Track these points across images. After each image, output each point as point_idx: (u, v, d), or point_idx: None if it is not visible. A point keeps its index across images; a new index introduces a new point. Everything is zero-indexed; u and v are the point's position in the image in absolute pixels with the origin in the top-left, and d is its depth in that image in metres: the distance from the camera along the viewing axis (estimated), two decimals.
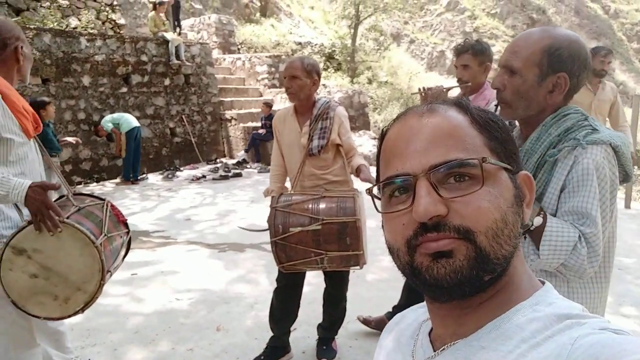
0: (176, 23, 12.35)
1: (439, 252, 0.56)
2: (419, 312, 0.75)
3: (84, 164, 8.94)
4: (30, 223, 1.84)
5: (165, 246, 5.23)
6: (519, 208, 0.61)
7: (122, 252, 2.24)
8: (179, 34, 11.85)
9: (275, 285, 2.84)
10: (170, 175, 9.41)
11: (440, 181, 0.58)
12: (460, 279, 0.56)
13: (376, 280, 3.99)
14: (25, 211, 1.94)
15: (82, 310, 1.92)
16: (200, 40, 13.03)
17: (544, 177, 1.33)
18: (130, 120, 8.67)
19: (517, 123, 1.52)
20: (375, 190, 0.65)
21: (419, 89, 2.76)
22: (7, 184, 1.79)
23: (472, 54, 2.69)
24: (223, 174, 9.29)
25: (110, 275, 2.04)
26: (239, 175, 9.31)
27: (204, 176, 9.22)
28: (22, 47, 2.00)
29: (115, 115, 8.77)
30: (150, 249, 5.14)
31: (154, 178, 9.44)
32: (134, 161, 8.90)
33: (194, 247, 5.18)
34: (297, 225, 2.36)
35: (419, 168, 0.59)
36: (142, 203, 7.35)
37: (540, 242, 1.26)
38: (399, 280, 3.81)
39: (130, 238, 2.30)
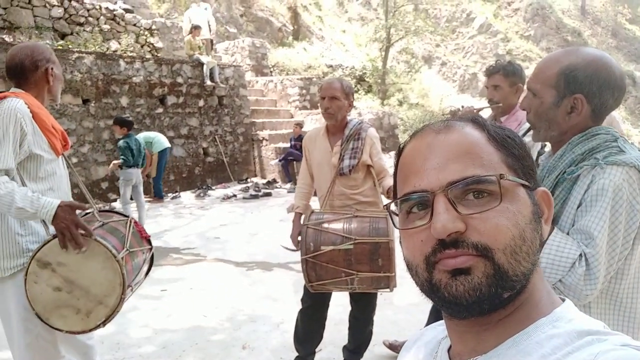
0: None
1: (458, 269, 0.57)
2: (438, 329, 0.75)
3: (120, 182, 9.19)
4: (55, 237, 1.87)
5: (195, 263, 5.31)
6: (537, 224, 0.61)
7: (145, 268, 2.26)
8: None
9: (300, 305, 2.84)
10: (202, 194, 9.59)
11: (458, 197, 0.58)
12: (479, 297, 0.56)
13: (404, 303, 3.93)
14: (52, 226, 1.99)
15: (104, 324, 1.94)
16: (234, 63, 13.36)
17: (561, 195, 1.32)
18: (162, 141, 8.90)
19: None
20: (392, 207, 0.66)
21: (450, 111, 2.77)
22: (37, 202, 1.84)
23: (503, 75, 2.67)
24: (253, 193, 9.41)
25: (132, 290, 2.07)
26: (269, 194, 9.40)
27: (234, 195, 9.35)
28: (52, 69, 2.09)
29: (151, 134, 8.99)
30: (180, 265, 5.22)
31: (186, 196, 9.63)
32: (159, 180, 9.11)
33: (222, 264, 5.24)
34: (329, 243, 2.36)
35: (437, 184, 0.59)
36: (174, 221, 7.50)
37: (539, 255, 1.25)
38: (427, 304, 3.74)
39: (152, 255, 2.33)
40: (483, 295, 0.56)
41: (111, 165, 6.87)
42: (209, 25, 12.01)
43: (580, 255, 1.23)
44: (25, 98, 1.98)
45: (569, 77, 1.30)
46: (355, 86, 15.80)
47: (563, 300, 0.63)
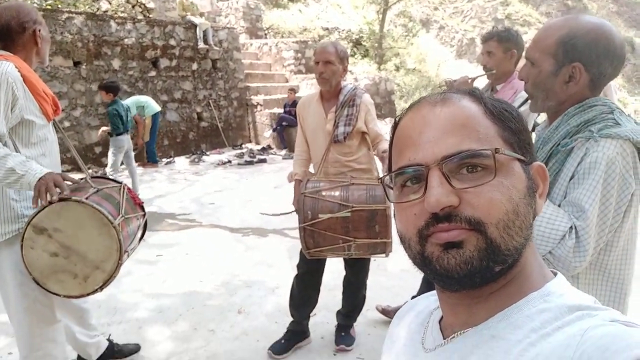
0: None
1: (450, 242, 0.57)
2: (431, 299, 0.76)
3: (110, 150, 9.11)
4: (51, 203, 1.86)
5: (190, 229, 5.33)
6: (531, 199, 0.61)
7: (139, 234, 2.28)
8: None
9: (296, 271, 2.87)
10: (196, 160, 9.55)
11: (453, 171, 0.58)
12: (471, 270, 0.56)
13: (397, 269, 3.98)
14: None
15: (101, 288, 1.97)
16: (228, 25, 13.07)
17: (555, 167, 1.31)
18: (153, 105, 8.74)
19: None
20: (387, 180, 0.66)
21: (445, 81, 2.73)
22: (26, 165, 1.83)
23: (497, 41, 2.64)
24: (248, 159, 9.37)
25: (128, 255, 2.08)
26: (263, 161, 9.37)
27: (229, 161, 9.32)
28: (39, 30, 2.04)
29: (141, 98, 8.77)
30: (175, 231, 5.24)
31: (180, 162, 9.58)
32: (152, 144, 9.03)
33: (217, 230, 5.27)
34: (327, 211, 2.37)
35: (432, 158, 0.58)
36: (169, 186, 7.48)
37: None
38: (420, 271, 3.78)
39: (146, 221, 2.34)
40: (474, 268, 0.56)
41: (100, 132, 6.76)
42: None
43: (571, 227, 1.23)
44: (15, 61, 1.93)
45: (567, 45, 1.28)
46: (352, 50, 15.53)
47: (555, 274, 0.64)
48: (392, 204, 0.66)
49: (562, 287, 0.60)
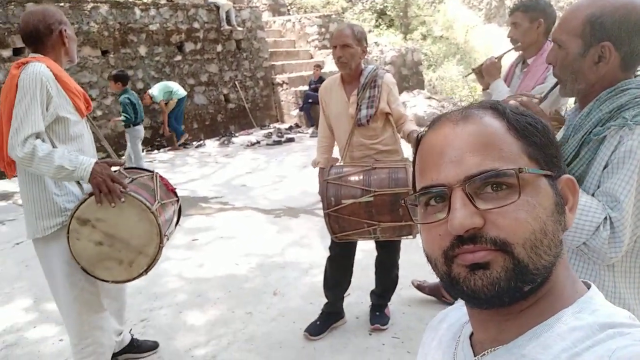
0: None
1: (476, 263, 0.56)
2: (462, 311, 0.75)
3: (145, 132, 9.30)
4: (91, 195, 1.97)
5: (223, 212, 5.43)
6: (560, 215, 0.60)
7: (175, 219, 2.38)
8: None
9: (328, 253, 2.90)
10: (226, 142, 9.65)
11: (477, 191, 0.57)
12: (498, 291, 0.56)
13: None
14: (86, 186, 2.10)
15: (146, 272, 2.09)
16: (250, 4, 12.98)
17: (587, 156, 1.26)
18: (181, 90, 8.92)
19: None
20: (411, 199, 0.65)
21: (472, 70, 2.67)
22: (75, 160, 1.94)
23: (522, 11, 2.53)
24: (276, 139, 9.42)
25: (167, 239, 2.18)
26: (291, 140, 9.40)
27: (258, 142, 9.39)
28: (65, 30, 2.12)
29: (169, 83, 8.95)
30: (209, 215, 5.35)
31: (210, 144, 9.71)
32: (180, 127, 9.20)
33: (250, 212, 5.35)
34: (349, 197, 2.38)
35: (454, 179, 0.58)
36: (201, 169, 7.61)
37: None
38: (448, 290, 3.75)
39: (180, 206, 2.45)
40: (502, 289, 0.56)
41: (112, 122, 6.86)
42: None
43: (605, 218, 1.19)
44: (46, 62, 2.02)
45: (595, 24, 1.22)
46: (377, 21, 15.25)
47: (588, 287, 0.62)
48: None
49: (595, 302, 0.59)
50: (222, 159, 8.33)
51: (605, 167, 1.23)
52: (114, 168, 2.16)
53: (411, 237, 2.48)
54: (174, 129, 9.17)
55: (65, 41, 2.13)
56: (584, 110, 1.30)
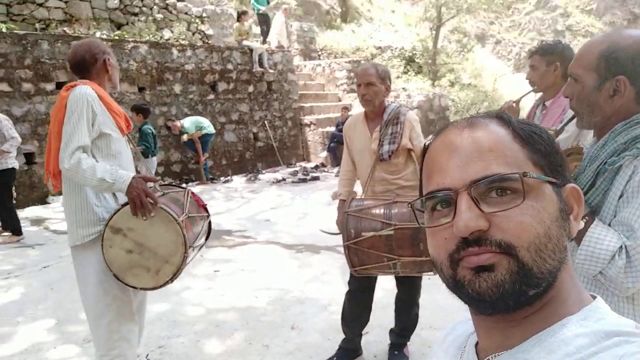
0: (265, 29, 12.84)
1: (481, 266, 0.57)
2: (469, 324, 0.75)
3: (174, 166, 9.55)
4: (123, 205, 2.12)
5: (246, 245, 5.47)
6: (564, 222, 0.60)
7: (204, 231, 2.49)
8: (264, 41, 12.39)
9: (347, 288, 2.88)
10: (253, 178, 9.81)
11: (482, 195, 0.58)
12: (503, 293, 0.56)
13: None
14: (120, 198, 2.24)
15: (171, 280, 2.19)
16: (282, 48, 13.45)
17: (603, 185, 1.27)
18: (210, 127, 9.30)
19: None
20: (417, 204, 0.66)
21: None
22: (115, 173, 2.09)
23: (540, 54, 2.61)
24: (302, 177, 9.53)
25: (194, 250, 2.28)
26: (316, 178, 9.49)
27: (284, 179, 9.51)
28: (109, 59, 2.33)
29: (200, 119, 9.33)
30: (231, 247, 5.40)
31: (237, 180, 9.87)
32: (205, 162, 9.51)
33: (272, 246, 5.37)
34: (370, 230, 2.38)
35: (460, 183, 0.59)
36: (227, 204, 7.72)
37: (579, 247, 1.22)
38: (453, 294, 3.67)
39: (210, 221, 2.57)
40: (507, 291, 0.56)
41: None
42: (284, 31, 12.47)
43: (621, 247, 1.19)
44: (92, 85, 2.22)
45: (610, 58, 1.26)
46: (405, 67, 15.52)
47: (594, 297, 0.62)
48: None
49: (601, 311, 0.59)
50: (248, 194, 8.45)
51: (620, 196, 1.24)
52: (149, 184, 2.28)
53: (432, 273, 2.45)
54: (203, 166, 9.42)
55: (109, 69, 2.34)
56: (600, 141, 1.32)
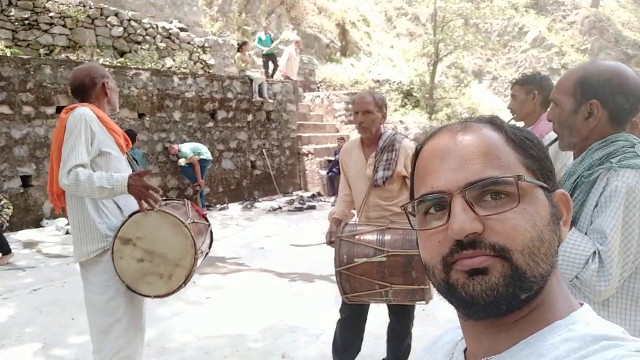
0: (274, 65, 13.09)
1: (475, 269, 0.56)
2: (457, 332, 0.74)
3: (170, 193, 9.54)
4: (130, 216, 2.16)
5: (239, 272, 5.42)
6: (555, 226, 0.61)
7: (207, 240, 2.54)
8: (272, 75, 12.67)
9: (339, 316, 2.85)
10: (249, 206, 9.80)
11: (476, 199, 0.58)
12: (497, 296, 0.56)
13: (447, 319, 3.85)
14: (124, 210, 2.28)
15: (185, 283, 2.21)
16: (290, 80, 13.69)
17: (580, 197, 1.40)
18: (208, 154, 9.37)
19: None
20: (410, 208, 0.65)
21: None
22: (111, 179, 2.13)
23: (519, 84, 2.78)
24: (298, 205, 9.52)
25: (202, 254, 2.31)
26: (313, 207, 9.48)
27: (280, 207, 9.50)
28: (107, 82, 2.40)
29: (199, 145, 9.42)
30: (224, 274, 5.34)
31: (233, 208, 9.85)
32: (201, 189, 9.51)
33: (265, 275, 5.32)
34: (362, 256, 2.37)
35: (454, 186, 0.59)
36: (222, 231, 7.68)
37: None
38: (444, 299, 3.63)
39: (211, 230, 2.63)
40: (500, 295, 0.56)
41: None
42: (295, 65, 12.79)
43: (595, 252, 1.30)
44: (90, 107, 2.29)
45: (584, 84, 1.42)
46: (403, 100, 15.73)
47: (582, 304, 0.62)
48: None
49: (588, 317, 0.59)
50: (244, 222, 8.42)
51: (595, 206, 1.36)
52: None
53: (424, 302, 2.43)
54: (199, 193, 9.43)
55: (108, 92, 2.40)
56: (578, 158, 1.47)
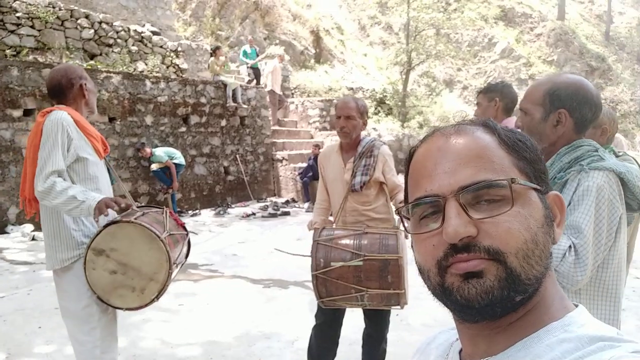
0: (257, 82, 13.06)
1: (470, 272, 0.57)
2: (451, 333, 0.75)
3: (141, 198, 9.37)
4: (104, 227, 2.11)
5: (212, 279, 5.35)
6: (549, 228, 0.61)
7: (184, 250, 2.51)
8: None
9: (315, 321, 2.84)
10: (222, 212, 9.69)
11: (470, 202, 0.58)
12: (492, 299, 0.56)
13: (420, 324, 3.88)
14: (101, 222, 2.21)
15: (157, 298, 2.16)
16: (246, 76, 13.66)
17: None
18: (181, 158, 9.24)
19: None
20: (404, 211, 0.66)
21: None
22: (87, 193, 2.09)
23: (483, 93, 2.95)
24: (272, 211, 9.47)
25: (177, 267, 2.27)
26: (287, 213, 9.45)
27: (253, 213, 9.42)
28: (85, 84, 2.34)
29: (172, 149, 9.27)
30: (197, 281, 5.27)
31: (206, 214, 9.73)
32: (174, 193, 9.41)
33: (239, 281, 5.27)
34: (339, 260, 2.37)
35: (448, 189, 0.59)
36: (193, 238, 7.56)
37: None
38: (444, 325, 3.69)
39: (189, 239, 2.60)
40: (495, 298, 0.56)
41: None
42: (278, 78, 12.72)
43: (570, 246, 1.42)
44: (68, 110, 2.23)
45: (553, 95, 1.57)
46: (376, 108, 15.89)
47: (576, 305, 0.63)
48: (408, 249, 0.67)
49: (584, 318, 0.59)
50: (216, 228, 8.33)
51: (568, 205, 1.47)
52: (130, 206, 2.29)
53: (399, 307, 2.45)
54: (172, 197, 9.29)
55: (86, 94, 2.34)
56: (548, 162, 1.58)
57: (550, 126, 1.58)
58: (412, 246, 0.66)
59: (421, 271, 0.63)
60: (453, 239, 0.57)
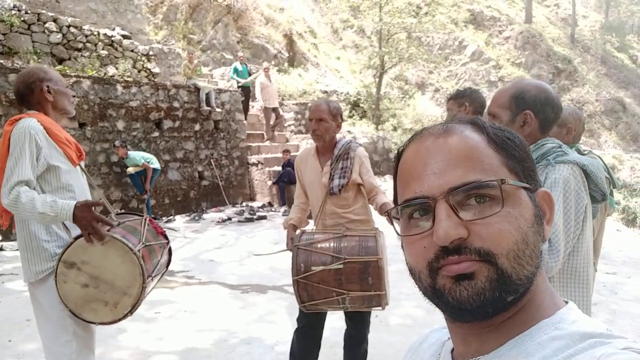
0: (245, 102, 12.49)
1: (461, 274, 0.57)
2: (443, 332, 0.74)
3: (114, 205, 9.17)
4: (76, 239, 2.02)
5: (188, 286, 5.27)
6: (539, 227, 0.61)
7: (163, 260, 2.42)
8: (245, 116, 12.27)
9: (296, 325, 2.83)
10: (196, 217, 9.56)
11: (460, 203, 0.58)
12: (483, 301, 0.56)
13: (399, 324, 3.91)
14: (74, 231, 2.13)
15: (131, 312, 2.09)
16: (230, 88, 13.52)
17: None
18: (156, 163, 9.09)
19: None
20: (394, 212, 0.65)
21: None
22: (55, 206, 1.98)
23: (453, 99, 3.07)
24: (248, 216, 9.39)
25: (152, 279, 2.21)
26: (263, 218, 9.39)
27: (229, 218, 9.33)
28: (48, 86, 2.19)
29: (149, 154, 9.12)
30: (173, 288, 5.18)
31: (180, 220, 9.59)
32: (149, 198, 9.28)
33: (216, 287, 5.20)
34: (319, 264, 2.37)
35: (438, 190, 0.58)
36: None
37: None
38: (423, 325, 3.73)
39: (170, 248, 2.52)
40: (487, 299, 0.56)
41: None
42: (274, 91, 12.31)
43: None
44: (37, 117, 2.13)
45: (518, 99, 1.71)
46: (350, 111, 15.96)
47: (566, 302, 0.63)
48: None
49: (574, 315, 0.59)
50: (191, 234, 8.21)
51: None
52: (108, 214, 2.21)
53: (380, 308, 2.46)
54: (146, 202, 9.13)
55: (49, 97, 2.19)
56: None
57: (517, 127, 1.70)
58: (402, 247, 0.65)
59: (412, 273, 0.63)
60: (444, 242, 0.56)
